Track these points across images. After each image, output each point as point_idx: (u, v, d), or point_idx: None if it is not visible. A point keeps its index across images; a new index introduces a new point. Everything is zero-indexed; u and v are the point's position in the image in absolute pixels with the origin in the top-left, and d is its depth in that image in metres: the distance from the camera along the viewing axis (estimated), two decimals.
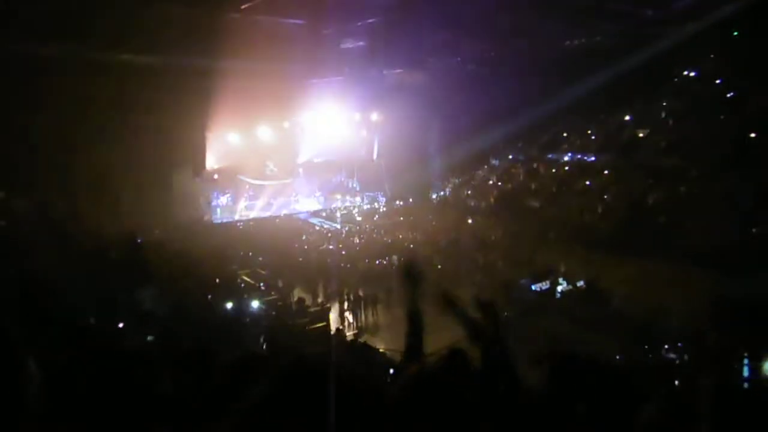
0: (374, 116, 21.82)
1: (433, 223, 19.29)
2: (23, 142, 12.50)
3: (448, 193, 22.83)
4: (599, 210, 16.71)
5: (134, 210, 14.72)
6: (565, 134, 20.88)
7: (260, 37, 14.09)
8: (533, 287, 11.81)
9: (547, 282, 11.92)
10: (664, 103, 18.46)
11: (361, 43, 16.73)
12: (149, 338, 5.39)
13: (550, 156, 20.62)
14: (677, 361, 8.24)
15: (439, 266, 13.86)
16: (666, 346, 8.50)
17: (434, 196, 23.03)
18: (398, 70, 18.89)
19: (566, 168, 19.87)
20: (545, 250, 13.70)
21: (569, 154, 20.15)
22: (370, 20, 15.08)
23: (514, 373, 2.05)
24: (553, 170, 20.12)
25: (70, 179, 13.64)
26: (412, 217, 20.30)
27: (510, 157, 21.90)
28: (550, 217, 16.92)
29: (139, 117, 14.29)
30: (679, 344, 8.44)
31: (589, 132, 20.15)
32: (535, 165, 20.77)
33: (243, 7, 13.38)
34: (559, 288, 11.84)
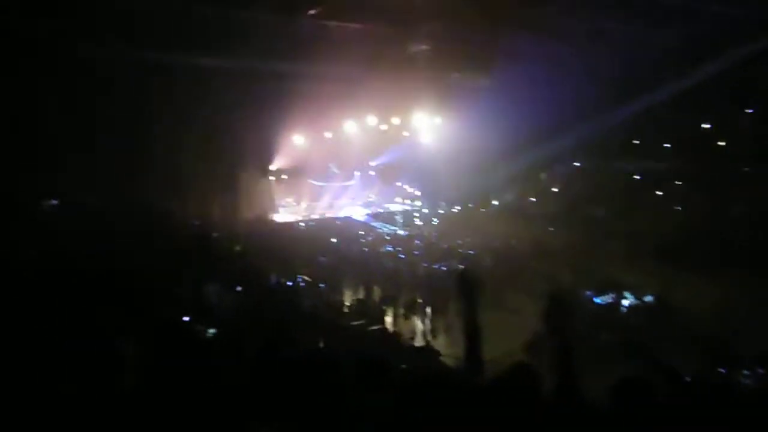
0: (437, 120, 21.75)
1: (494, 229, 19.00)
2: (112, 143, 13.38)
3: (509, 199, 22.39)
4: (671, 221, 15.91)
5: (204, 208, 15.41)
6: (635, 141, 19.98)
7: (327, 41, 14.40)
8: (596, 300, 11.38)
9: (612, 295, 11.45)
10: (747, 110, 17.33)
11: (425, 47, 16.73)
12: (211, 332, 5.60)
13: (619, 163, 19.81)
14: (755, 386, 7.69)
15: (499, 274, 13.63)
16: (744, 371, 7.95)
17: (495, 203, 22.66)
18: (461, 74, 18.74)
19: (636, 176, 19.02)
20: (610, 262, 13.18)
21: (639, 162, 19.28)
22: (436, 23, 15.06)
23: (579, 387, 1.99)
24: (622, 178, 19.32)
25: (151, 179, 14.41)
26: (472, 223, 20.07)
27: (575, 163, 21.21)
28: (617, 227, 16.26)
29: (213, 118, 14.98)
30: (760, 369, 7.88)
31: (663, 139, 19.20)
32: (602, 172, 20.01)
33: (311, 12, 13.74)
34: (625, 302, 11.34)
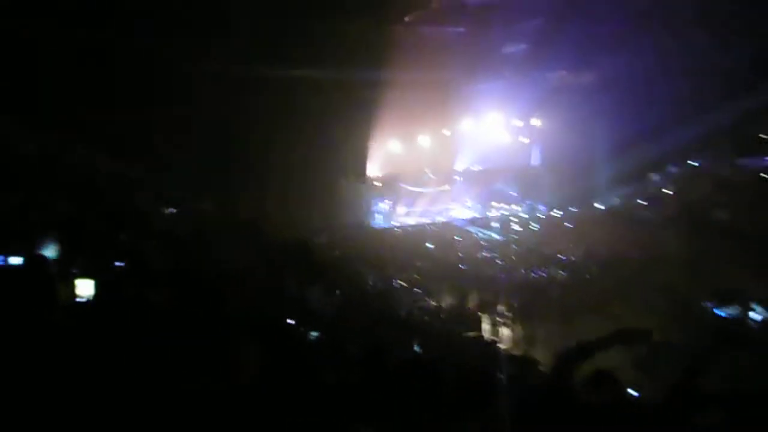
0: (536, 121, 21.05)
1: (599, 234, 17.99)
2: (214, 150, 14.37)
3: (616, 202, 21.08)
4: None
5: (305, 213, 16.05)
6: (762, 135, 18.04)
7: (421, 47, 14.49)
8: (719, 312, 10.38)
9: (737, 307, 10.39)
10: None
11: (523, 46, 16.30)
12: (314, 335, 5.79)
13: (743, 161, 17.98)
14: None
15: (605, 283, 12.89)
16: None
17: (601, 207, 21.43)
18: (563, 72, 18.02)
19: (763, 175, 17.15)
20: (735, 270, 11.97)
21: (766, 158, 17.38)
22: (533, 21, 14.63)
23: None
24: (747, 178, 17.50)
25: (253, 184, 15.27)
26: (575, 228, 19.16)
27: (692, 163, 19.52)
28: (742, 232, 14.74)
29: (310, 126, 15.60)
30: None
31: None
32: (723, 172, 18.26)
33: (406, 19, 13.90)
34: (754, 315, 10.24)
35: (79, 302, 4.33)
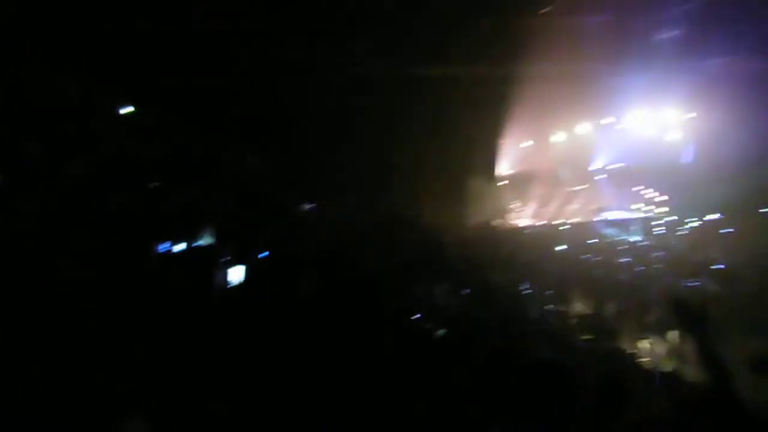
0: (689, 115, 19.13)
1: (760, 243, 15.96)
2: (350, 151, 15.03)
3: None
4: None
5: (438, 212, 16.21)
6: None
7: (560, 39, 13.85)
8: None
9: None
10: None
11: (675, 32, 14.90)
12: (441, 332, 5.87)
13: None
14: None
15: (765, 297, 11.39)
16: None
17: (764, 211, 18.89)
18: (720, 60, 16.15)
19: None
20: None
21: None
22: (688, 5, 13.36)
23: None
24: None
25: (387, 183, 15.75)
26: (734, 234, 17.16)
27: None
28: None
29: (443, 125, 15.67)
30: None
31: None
32: None
33: (542, 11, 13.40)
34: None
35: (232, 287, 4.84)
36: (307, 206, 12.16)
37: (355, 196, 13.58)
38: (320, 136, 13.98)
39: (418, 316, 6.34)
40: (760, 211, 18.82)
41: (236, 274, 4.92)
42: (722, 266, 14.20)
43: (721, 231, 17.72)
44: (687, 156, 20.21)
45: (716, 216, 19.33)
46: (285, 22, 12.38)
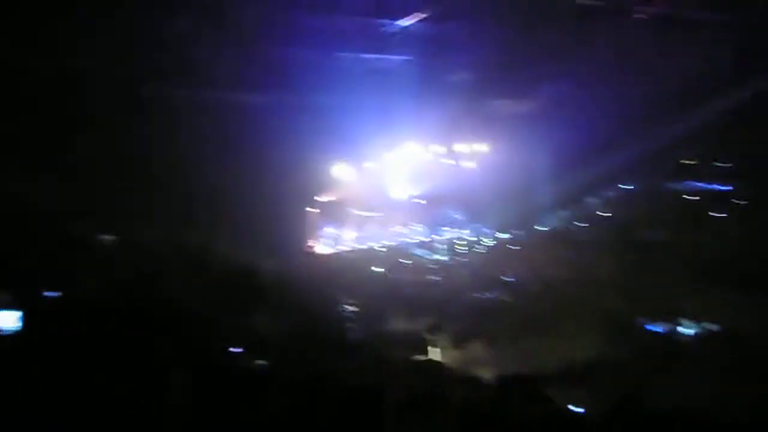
0: (479, 147, 21.64)
1: (540, 256, 18.56)
2: (153, 177, 13.89)
3: (555, 224, 21.83)
4: (737, 245, 15.08)
5: (250, 240, 15.61)
6: (691, 161, 19.25)
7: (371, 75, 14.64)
8: (650, 328, 10.86)
9: (669, 323, 10.90)
10: None
11: (466, 76, 16.72)
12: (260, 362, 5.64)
13: (673, 185, 19.10)
14: None
15: (548, 303, 13.26)
16: None
17: (542, 229, 22.12)
18: (505, 100, 18.67)
19: (694, 198, 18.27)
20: (667, 288, 12.59)
21: (697, 183, 18.52)
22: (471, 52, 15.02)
23: None
24: (678, 200, 18.59)
25: (194, 212, 14.78)
26: (518, 250, 19.68)
27: (626, 186, 20.57)
28: (674, 252, 15.56)
29: (254, 149, 15.30)
30: None
31: (722, 158, 18.41)
32: (655, 195, 19.32)
33: None
34: (685, 330, 10.77)
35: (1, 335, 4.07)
36: (99, 239, 10.86)
37: (155, 228, 12.58)
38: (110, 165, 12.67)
39: (234, 348, 6.03)
40: (539, 229, 21.98)
41: (6, 320, 4.15)
42: (512, 279, 16.18)
43: (508, 248, 20.22)
44: (479, 183, 22.79)
45: (506, 235, 22.04)
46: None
